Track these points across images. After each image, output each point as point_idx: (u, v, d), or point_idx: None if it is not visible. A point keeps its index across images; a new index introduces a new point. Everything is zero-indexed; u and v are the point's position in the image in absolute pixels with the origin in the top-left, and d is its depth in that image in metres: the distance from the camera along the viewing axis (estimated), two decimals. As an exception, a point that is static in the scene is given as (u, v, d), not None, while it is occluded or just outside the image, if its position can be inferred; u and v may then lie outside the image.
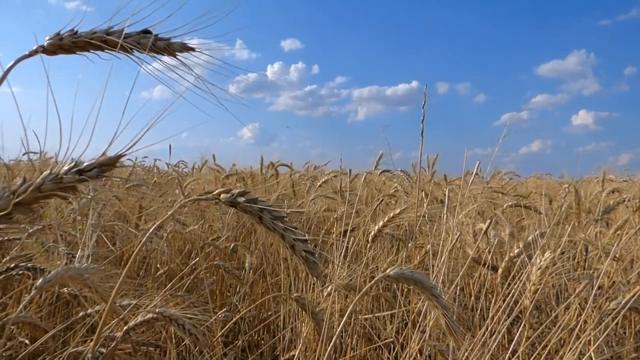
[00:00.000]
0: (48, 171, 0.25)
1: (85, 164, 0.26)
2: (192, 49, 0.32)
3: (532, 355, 0.69)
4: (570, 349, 0.54)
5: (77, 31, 0.30)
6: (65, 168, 0.26)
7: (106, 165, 0.26)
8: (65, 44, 0.30)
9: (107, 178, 0.26)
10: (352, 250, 0.82)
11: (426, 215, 0.86)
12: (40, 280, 0.44)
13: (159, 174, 2.46)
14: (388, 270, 0.40)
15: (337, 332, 0.48)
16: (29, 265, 0.71)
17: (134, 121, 0.30)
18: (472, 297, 0.79)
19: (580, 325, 0.57)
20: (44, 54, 0.30)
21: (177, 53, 0.32)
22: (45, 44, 0.30)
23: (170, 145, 1.87)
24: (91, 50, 0.31)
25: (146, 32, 0.31)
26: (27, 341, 0.74)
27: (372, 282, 0.40)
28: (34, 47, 0.30)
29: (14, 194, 0.23)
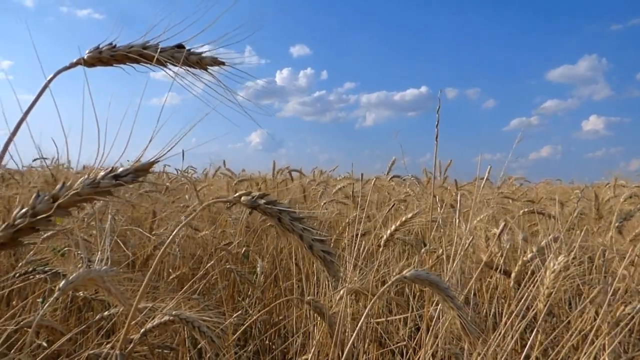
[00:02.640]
0: (86, 176, 0.27)
1: (120, 169, 0.28)
2: (223, 63, 0.34)
3: (544, 359, 0.69)
4: (585, 353, 0.54)
5: (115, 45, 0.32)
6: (102, 173, 0.27)
7: (140, 171, 0.28)
8: (104, 57, 0.32)
9: (141, 182, 0.27)
10: (363, 254, 0.83)
11: (439, 220, 0.87)
12: (62, 282, 0.45)
13: (168, 180, 2.48)
14: (404, 272, 0.41)
15: (352, 337, 0.49)
16: (47, 269, 0.73)
17: (146, 128, 0.31)
18: (486, 302, 0.79)
19: (595, 330, 0.57)
20: (83, 65, 0.32)
21: (208, 67, 0.33)
22: (85, 56, 0.32)
23: (183, 152, 1.89)
24: (127, 63, 0.32)
25: (179, 46, 0.33)
26: (44, 344, 0.75)
27: (390, 282, 0.41)
28: (75, 60, 0.31)
29: (53, 198, 0.24)
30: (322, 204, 1.47)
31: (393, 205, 1.28)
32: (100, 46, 0.32)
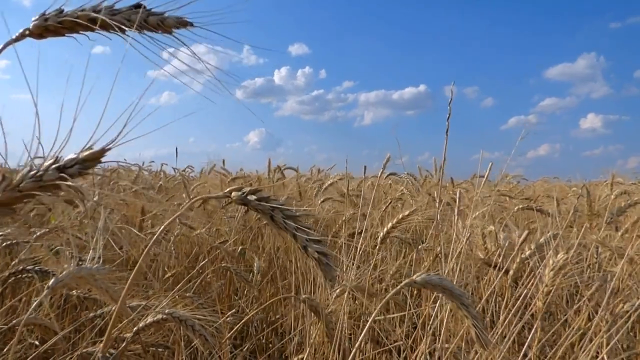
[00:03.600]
0: (27, 169, 0.24)
1: (65, 159, 0.24)
2: (190, 24, 0.29)
3: (543, 358, 0.68)
4: (584, 350, 0.53)
5: (62, 10, 0.28)
6: (46, 165, 0.24)
7: (89, 161, 0.24)
8: (51, 25, 0.28)
9: (89, 175, 0.24)
10: (360, 252, 0.82)
11: (437, 218, 0.86)
12: (52, 280, 0.44)
13: (165, 179, 2.46)
14: (414, 277, 0.39)
15: (360, 338, 0.48)
16: (37, 268, 0.72)
17: (145, 127, 0.30)
18: (483, 300, 0.78)
19: (594, 328, 0.57)
20: (30, 37, 0.28)
21: (172, 29, 0.29)
22: (30, 26, 0.28)
23: (176, 149, 1.87)
24: (80, 32, 0.28)
25: (137, 6, 0.28)
26: (37, 342, 0.74)
27: (398, 287, 0.39)
28: (20, 31, 0.28)
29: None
30: (318, 202, 1.46)
31: (390, 203, 1.28)
32: (46, 12, 0.27)
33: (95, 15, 0.27)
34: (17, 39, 0.28)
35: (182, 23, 0.29)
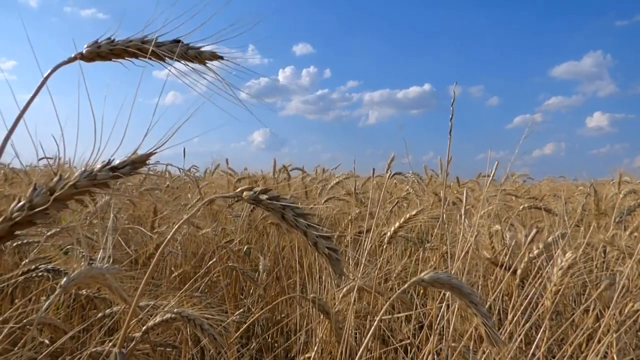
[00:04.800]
0: (83, 168, 0.26)
1: (117, 161, 0.27)
2: (221, 57, 0.34)
3: (551, 358, 0.68)
4: (593, 350, 0.53)
5: (114, 39, 0.32)
6: (99, 166, 0.27)
7: (138, 163, 0.28)
8: (103, 52, 0.32)
9: (139, 174, 0.26)
10: (366, 252, 0.82)
11: (443, 217, 0.86)
12: (64, 279, 0.44)
13: (171, 179, 2.48)
14: (422, 275, 0.39)
15: (367, 338, 0.48)
16: (49, 267, 0.72)
17: (155, 126, 0.31)
18: (490, 299, 0.78)
19: (602, 328, 0.56)
20: (82, 60, 0.31)
21: (206, 61, 0.33)
22: (84, 51, 0.31)
23: (184, 150, 1.88)
24: (126, 58, 0.32)
25: (177, 41, 0.33)
26: (47, 341, 0.75)
27: (406, 285, 0.40)
28: (73, 54, 0.31)
29: (50, 190, 0.24)
30: (322, 201, 1.46)
31: (397, 203, 1.28)
32: (99, 41, 0.32)
33: (143, 46, 0.32)
34: (69, 61, 0.32)
35: (215, 56, 0.34)
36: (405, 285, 0.39)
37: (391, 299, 0.42)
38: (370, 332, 0.42)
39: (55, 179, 0.25)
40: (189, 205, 1.36)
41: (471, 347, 0.62)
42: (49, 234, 0.88)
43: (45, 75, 0.29)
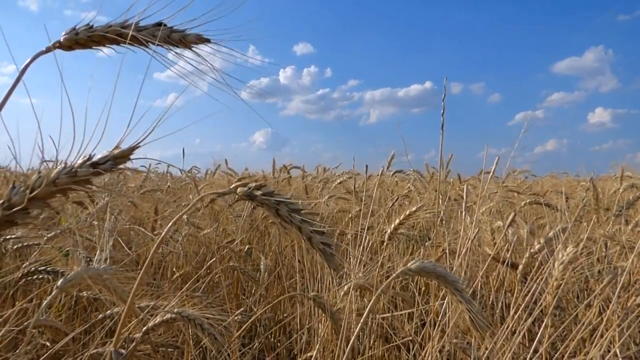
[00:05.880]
0: (62, 165, 0.26)
1: (98, 156, 0.26)
2: (208, 40, 0.32)
3: (553, 353, 0.67)
4: (595, 345, 0.52)
5: (92, 25, 0.31)
6: (80, 162, 0.26)
7: (119, 158, 0.26)
8: (81, 39, 0.30)
9: (121, 170, 0.26)
10: (367, 249, 0.81)
11: (443, 214, 0.85)
12: (61, 280, 0.44)
13: (172, 180, 2.48)
14: (409, 264, 0.40)
15: (355, 333, 0.48)
16: (49, 269, 0.72)
17: (145, 124, 0.30)
18: (492, 295, 0.78)
19: (605, 322, 0.56)
20: (60, 49, 0.30)
21: (192, 45, 0.32)
22: (61, 39, 0.30)
23: (183, 150, 1.88)
24: (107, 45, 0.31)
25: (159, 24, 0.31)
26: (48, 343, 0.75)
27: (394, 275, 0.39)
28: (50, 43, 0.30)
29: (29, 188, 0.23)
30: (322, 200, 1.46)
31: (397, 200, 1.27)
32: (77, 27, 0.30)
33: (123, 30, 0.30)
34: (48, 50, 0.30)
35: (201, 39, 0.32)
36: (393, 276, 0.39)
37: (379, 290, 0.41)
38: (360, 326, 0.42)
39: (34, 176, 0.24)
40: (191, 203, 1.36)
41: (473, 344, 0.62)
42: (49, 236, 0.88)
43: (23, 66, 0.28)
